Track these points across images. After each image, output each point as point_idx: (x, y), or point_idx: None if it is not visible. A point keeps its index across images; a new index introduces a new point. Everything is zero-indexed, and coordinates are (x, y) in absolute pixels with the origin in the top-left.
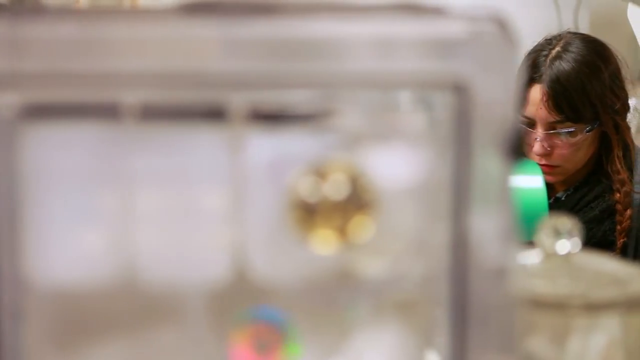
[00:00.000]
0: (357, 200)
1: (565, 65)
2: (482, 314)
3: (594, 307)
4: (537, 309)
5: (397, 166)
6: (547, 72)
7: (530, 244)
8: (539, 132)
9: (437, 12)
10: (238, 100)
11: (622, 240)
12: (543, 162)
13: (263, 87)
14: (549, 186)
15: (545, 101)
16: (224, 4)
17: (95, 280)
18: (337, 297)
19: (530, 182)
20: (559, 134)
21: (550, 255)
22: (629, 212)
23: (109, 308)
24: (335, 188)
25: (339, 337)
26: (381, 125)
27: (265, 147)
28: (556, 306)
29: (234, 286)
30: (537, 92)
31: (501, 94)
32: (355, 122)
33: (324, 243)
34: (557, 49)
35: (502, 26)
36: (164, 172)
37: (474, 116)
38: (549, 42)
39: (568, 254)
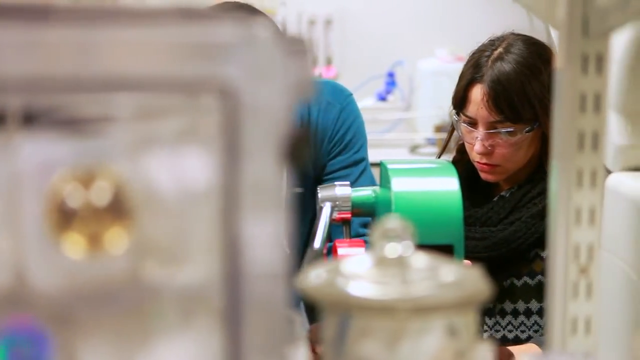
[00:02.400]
0: (117, 209)
1: (506, 66)
2: (254, 318)
3: (424, 310)
4: (369, 313)
5: (168, 171)
6: (488, 73)
7: (444, 247)
8: (480, 131)
9: (207, 16)
10: (12, 104)
11: None
12: (484, 161)
13: (35, 92)
14: (494, 185)
15: (486, 101)
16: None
17: None
18: (125, 303)
19: (445, 184)
20: (499, 133)
21: (382, 259)
22: None
23: None
24: (96, 195)
25: (137, 344)
26: (152, 131)
27: (34, 151)
28: (387, 310)
29: (8, 293)
30: (478, 92)
31: (273, 100)
32: (126, 128)
33: (74, 248)
34: (500, 50)
35: (275, 32)
36: None
37: (243, 121)
38: (492, 43)
39: (401, 257)
